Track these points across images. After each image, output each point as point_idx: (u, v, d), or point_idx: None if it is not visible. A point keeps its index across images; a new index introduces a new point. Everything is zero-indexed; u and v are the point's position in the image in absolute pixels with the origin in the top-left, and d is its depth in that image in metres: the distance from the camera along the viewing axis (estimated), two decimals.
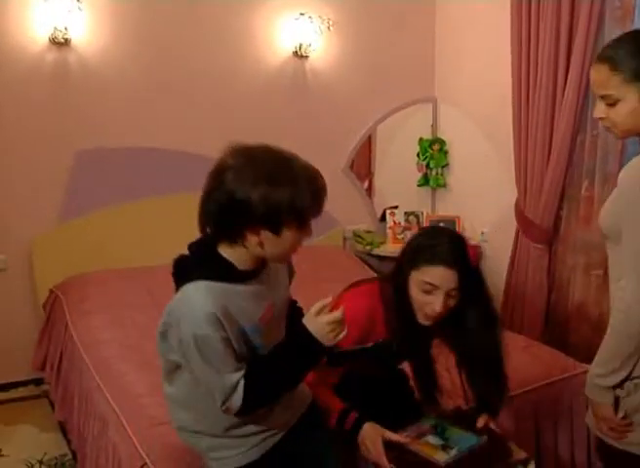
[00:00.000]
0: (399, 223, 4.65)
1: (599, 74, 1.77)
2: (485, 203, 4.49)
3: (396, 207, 4.71)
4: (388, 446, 1.87)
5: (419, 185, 4.85)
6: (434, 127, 4.84)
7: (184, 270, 1.60)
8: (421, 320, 1.94)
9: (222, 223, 1.54)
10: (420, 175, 4.85)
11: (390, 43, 4.59)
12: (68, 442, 3.12)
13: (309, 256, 4.18)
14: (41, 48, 3.62)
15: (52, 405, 3.45)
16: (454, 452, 1.86)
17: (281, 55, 4.24)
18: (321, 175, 1.57)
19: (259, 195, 1.45)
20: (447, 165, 4.79)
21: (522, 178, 3.90)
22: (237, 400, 1.56)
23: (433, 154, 4.74)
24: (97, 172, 3.86)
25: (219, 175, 1.51)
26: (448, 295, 1.88)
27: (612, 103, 1.76)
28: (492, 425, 2.01)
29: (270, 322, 1.66)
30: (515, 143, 3.93)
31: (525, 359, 2.86)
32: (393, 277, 2.00)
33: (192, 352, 1.52)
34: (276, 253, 1.58)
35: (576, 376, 2.76)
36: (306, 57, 4.28)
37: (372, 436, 1.90)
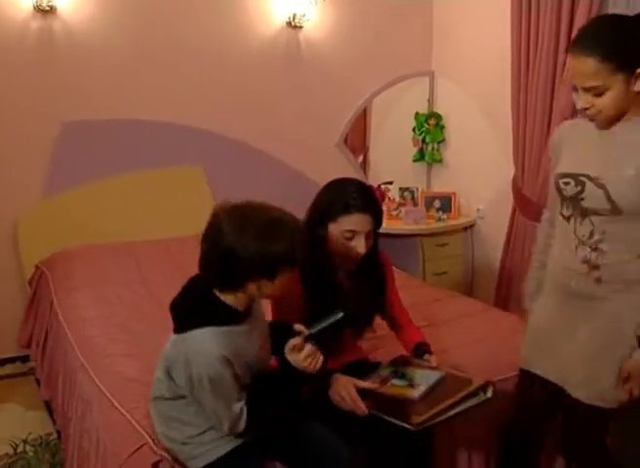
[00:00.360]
0: (394, 199, 4.57)
1: (585, 66, 1.75)
2: (481, 179, 4.42)
3: (391, 182, 4.63)
4: (360, 393, 1.96)
5: (414, 160, 4.78)
6: (431, 101, 4.76)
7: (187, 316, 1.77)
8: (347, 265, 2.13)
9: (226, 277, 1.73)
10: (415, 150, 4.76)
11: (387, 14, 4.47)
12: (54, 421, 3.05)
13: None
14: (25, 15, 3.51)
15: (38, 382, 3.38)
16: (423, 388, 1.99)
17: (274, 25, 4.13)
18: (297, 219, 1.79)
19: (257, 252, 1.66)
20: (443, 140, 4.72)
21: (520, 155, 3.82)
22: (242, 425, 1.78)
23: (429, 129, 4.66)
24: (82, 144, 3.76)
25: (217, 237, 1.69)
26: (367, 237, 2.07)
27: (599, 93, 1.77)
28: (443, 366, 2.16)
29: (264, 352, 1.90)
30: (514, 119, 3.84)
31: (519, 340, 2.79)
32: (310, 238, 2.09)
33: (205, 389, 1.71)
34: (270, 294, 1.81)
35: None
36: (300, 27, 4.18)
37: (345, 385, 1.97)
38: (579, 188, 1.88)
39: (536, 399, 2.16)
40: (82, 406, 2.43)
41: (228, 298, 1.76)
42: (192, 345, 1.71)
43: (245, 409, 1.76)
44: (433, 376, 2.05)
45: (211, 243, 1.72)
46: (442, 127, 4.68)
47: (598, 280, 1.89)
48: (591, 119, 1.87)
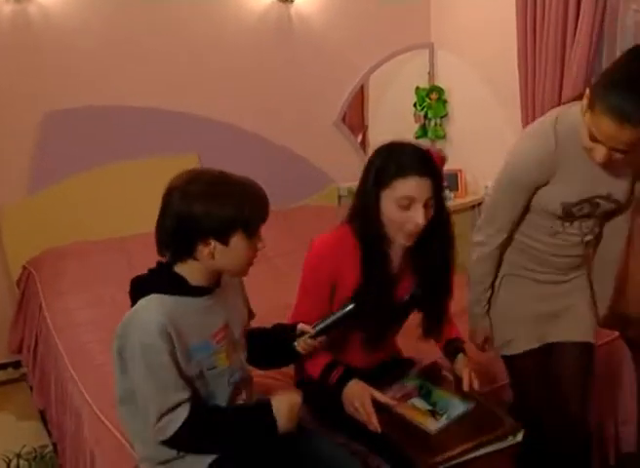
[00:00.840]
0: None
1: (627, 135, 1.65)
2: (489, 154, 4.16)
3: None
4: (375, 405, 1.78)
5: (416, 138, 4.56)
6: (431, 74, 4.55)
7: (139, 288, 1.64)
8: (404, 241, 1.85)
9: (175, 240, 1.60)
10: (417, 127, 4.56)
11: None
12: (49, 431, 2.87)
13: (303, 218, 3.94)
14: None
15: (32, 389, 3.18)
16: (443, 420, 1.80)
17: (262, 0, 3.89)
18: (258, 185, 1.64)
19: (203, 209, 1.53)
20: (446, 115, 4.51)
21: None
22: (173, 425, 1.55)
23: (431, 104, 4.45)
24: (66, 135, 3.55)
25: (167, 198, 1.59)
26: (426, 206, 1.79)
27: (625, 151, 1.74)
28: (475, 384, 1.91)
29: (227, 343, 1.68)
30: (522, 90, 3.63)
31: None
32: (360, 208, 1.88)
33: (137, 361, 1.54)
34: (230, 264, 1.63)
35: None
36: (291, 1, 3.95)
37: (360, 395, 1.80)
38: (592, 208, 1.95)
39: (537, 372, 2.13)
40: (75, 419, 2.25)
41: (185, 271, 1.63)
42: (133, 313, 1.59)
43: (186, 409, 1.55)
44: (459, 407, 1.84)
45: (161, 209, 1.60)
46: (444, 101, 4.46)
47: (590, 250, 2.12)
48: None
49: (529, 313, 2.11)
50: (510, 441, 1.77)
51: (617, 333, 2.53)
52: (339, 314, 1.73)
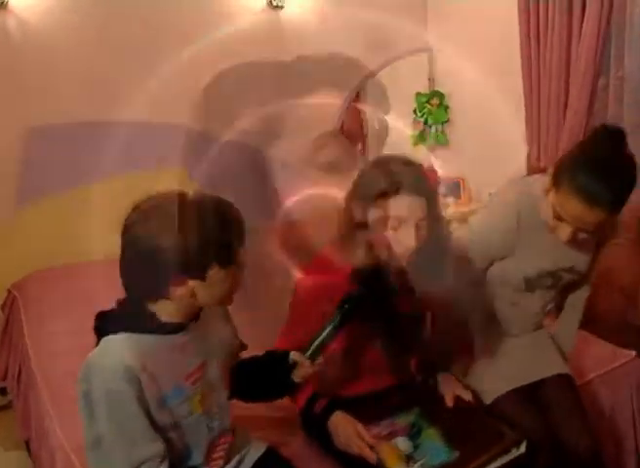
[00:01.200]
0: None
1: (599, 218, 1.66)
2: (492, 161, 4.04)
3: None
4: None
5: (414, 144, 4.42)
6: (431, 80, 4.41)
7: (104, 325, 1.49)
8: (393, 262, 1.72)
9: (144, 281, 1.43)
10: (415, 133, 4.42)
11: None
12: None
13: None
14: None
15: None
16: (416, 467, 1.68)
17: (252, 6, 3.77)
18: (231, 205, 1.47)
19: (169, 243, 1.35)
20: (447, 121, 4.36)
21: (535, 133, 3.47)
22: None
23: (432, 110, 4.30)
24: (51, 151, 3.40)
25: (127, 233, 1.43)
26: (418, 227, 1.66)
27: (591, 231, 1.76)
28: (468, 396, 1.90)
29: (203, 385, 1.52)
30: (525, 92, 3.49)
31: None
32: (346, 228, 1.75)
33: (102, 410, 1.38)
34: (211, 296, 1.47)
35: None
36: (281, 7, 3.82)
37: (345, 428, 1.72)
38: (555, 280, 1.99)
39: (521, 413, 1.99)
40: (50, 459, 2.10)
41: (155, 307, 1.46)
42: (97, 353, 1.43)
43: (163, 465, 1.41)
44: (441, 456, 1.69)
45: (122, 249, 1.44)
46: (446, 107, 4.32)
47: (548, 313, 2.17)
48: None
49: (491, 363, 2.08)
50: (514, 453, 1.72)
51: (633, 353, 2.40)
52: (326, 331, 1.61)
